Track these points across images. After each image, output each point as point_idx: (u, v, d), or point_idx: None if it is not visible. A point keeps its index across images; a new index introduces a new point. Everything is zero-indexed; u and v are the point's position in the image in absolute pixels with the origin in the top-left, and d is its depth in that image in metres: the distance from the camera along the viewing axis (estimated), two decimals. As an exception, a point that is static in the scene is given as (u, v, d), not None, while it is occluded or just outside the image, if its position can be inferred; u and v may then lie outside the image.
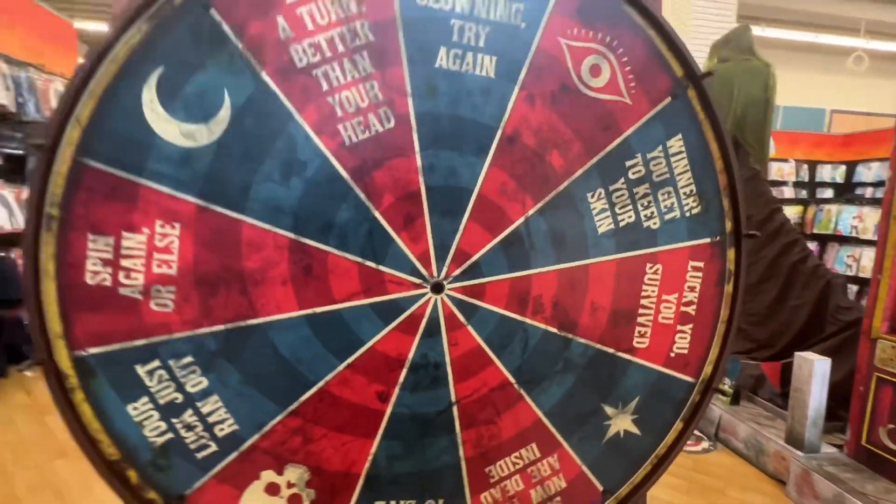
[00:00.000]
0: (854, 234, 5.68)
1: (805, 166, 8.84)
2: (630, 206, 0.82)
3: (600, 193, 0.80)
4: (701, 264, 0.86)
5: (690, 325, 0.88)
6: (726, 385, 2.94)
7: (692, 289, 0.87)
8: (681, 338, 0.88)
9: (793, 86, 10.09)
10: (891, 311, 2.15)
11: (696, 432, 2.97)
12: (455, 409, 0.81)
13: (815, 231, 6.02)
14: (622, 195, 0.81)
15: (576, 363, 0.85)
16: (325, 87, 0.68)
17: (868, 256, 5.28)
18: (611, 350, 0.86)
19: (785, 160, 8.79)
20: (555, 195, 0.79)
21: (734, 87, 3.16)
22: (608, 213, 0.81)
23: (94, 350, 0.67)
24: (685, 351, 0.89)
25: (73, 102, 0.63)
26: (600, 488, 0.90)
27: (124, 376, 0.69)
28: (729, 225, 0.86)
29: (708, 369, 0.90)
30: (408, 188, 0.72)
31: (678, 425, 0.91)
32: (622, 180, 0.81)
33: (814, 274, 2.82)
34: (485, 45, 0.72)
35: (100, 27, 7.10)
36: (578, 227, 0.81)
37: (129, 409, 0.69)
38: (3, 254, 3.76)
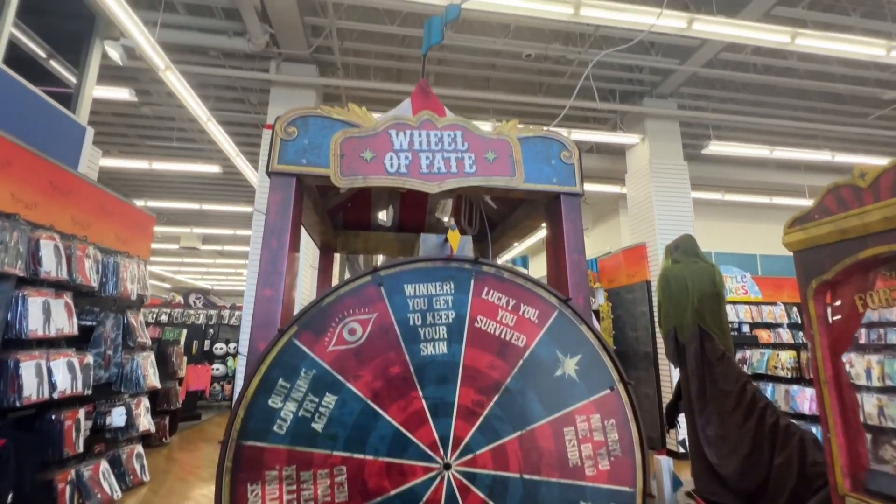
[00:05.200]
0: (851, 381, 5.71)
1: (794, 308, 9.31)
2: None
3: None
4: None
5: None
6: (734, 548, 2.95)
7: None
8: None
9: (764, 237, 11.23)
10: (849, 468, 2.40)
11: None
12: None
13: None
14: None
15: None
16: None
17: (869, 402, 5.30)
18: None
19: (774, 303, 9.32)
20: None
21: (688, 283, 3.81)
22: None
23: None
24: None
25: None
26: None
27: None
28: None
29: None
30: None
31: None
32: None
33: (787, 432, 3.08)
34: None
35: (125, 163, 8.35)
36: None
37: None
38: (54, 416, 4.08)
